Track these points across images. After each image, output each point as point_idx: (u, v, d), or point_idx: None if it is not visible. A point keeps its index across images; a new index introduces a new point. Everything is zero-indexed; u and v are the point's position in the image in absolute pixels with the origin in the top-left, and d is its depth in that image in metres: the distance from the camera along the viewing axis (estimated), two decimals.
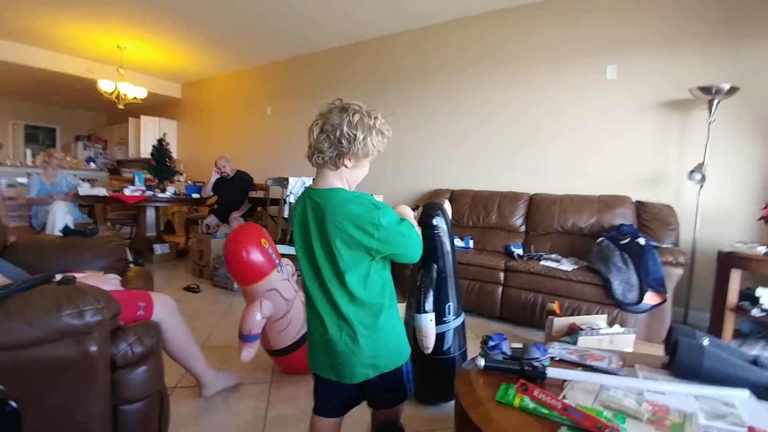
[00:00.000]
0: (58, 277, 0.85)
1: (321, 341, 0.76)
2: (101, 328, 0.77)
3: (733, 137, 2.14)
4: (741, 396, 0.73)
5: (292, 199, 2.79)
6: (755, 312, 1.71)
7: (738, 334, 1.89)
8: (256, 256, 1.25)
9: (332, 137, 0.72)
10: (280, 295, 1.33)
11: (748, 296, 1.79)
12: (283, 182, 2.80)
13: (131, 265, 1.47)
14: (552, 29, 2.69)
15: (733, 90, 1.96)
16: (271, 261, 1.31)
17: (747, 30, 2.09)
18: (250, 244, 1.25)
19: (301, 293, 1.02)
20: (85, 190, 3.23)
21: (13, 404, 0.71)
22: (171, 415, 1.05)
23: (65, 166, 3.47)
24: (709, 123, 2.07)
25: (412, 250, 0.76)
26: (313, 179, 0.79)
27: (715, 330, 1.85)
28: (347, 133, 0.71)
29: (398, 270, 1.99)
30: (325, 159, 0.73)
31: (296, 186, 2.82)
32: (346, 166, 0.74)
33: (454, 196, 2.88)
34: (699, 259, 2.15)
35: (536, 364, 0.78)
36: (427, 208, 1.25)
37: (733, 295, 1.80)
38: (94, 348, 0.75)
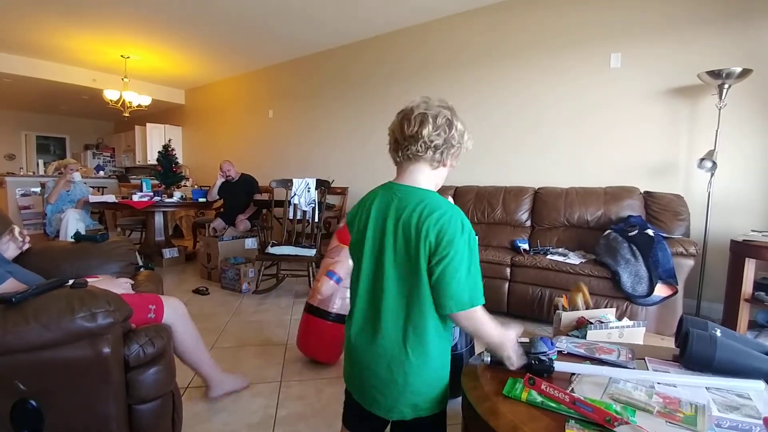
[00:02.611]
0: (71, 281, 0.87)
1: (361, 360, 0.68)
2: (113, 330, 0.79)
3: (746, 122, 2.09)
4: (756, 387, 0.71)
5: (296, 200, 2.81)
6: None
7: (753, 325, 1.85)
8: None
9: (448, 131, 0.65)
10: None
11: (764, 286, 1.74)
12: (287, 184, 2.82)
13: (141, 269, 1.50)
14: (552, 19, 2.65)
15: (745, 72, 1.90)
16: None
17: (758, 5, 2.02)
18: None
19: None
20: (92, 198, 3.32)
21: (33, 403, 0.73)
22: (183, 415, 1.08)
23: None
24: (720, 108, 2.01)
25: (448, 300, 0.63)
26: (397, 174, 0.70)
27: (730, 321, 1.82)
28: (460, 129, 0.67)
29: None
30: (435, 155, 0.65)
31: (300, 187, 2.84)
32: (444, 165, 0.68)
33: (459, 192, 2.86)
34: (711, 249, 2.11)
35: (543, 357, 0.77)
36: None
37: (747, 286, 1.76)
38: (107, 349, 0.77)
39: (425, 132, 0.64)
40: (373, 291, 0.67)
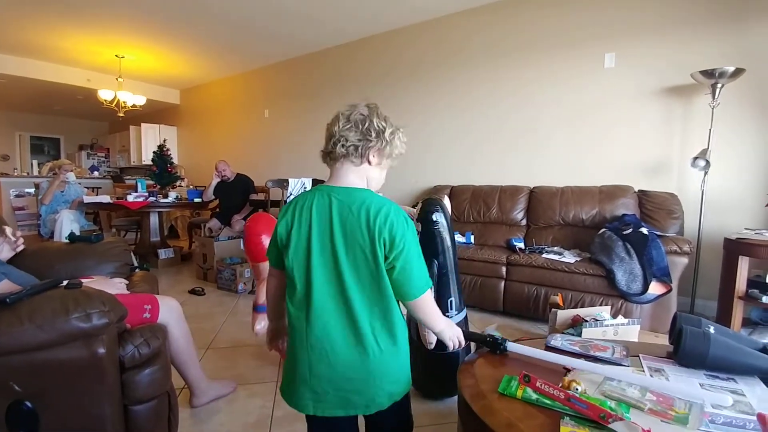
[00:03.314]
0: (65, 282, 0.87)
1: (329, 370, 0.65)
2: (108, 331, 0.79)
3: (739, 121, 2.11)
4: (750, 383, 0.72)
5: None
6: (766, 299, 1.69)
7: (747, 323, 1.87)
8: (267, 238, 1.44)
9: (361, 126, 0.66)
10: None
11: (758, 284, 1.76)
12: (282, 184, 2.82)
13: (137, 270, 1.49)
14: (548, 20, 2.67)
15: (738, 72, 1.92)
16: None
17: (751, 6, 2.04)
18: (265, 226, 1.45)
19: None
20: (87, 198, 3.30)
21: (29, 404, 0.73)
22: (179, 415, 1.07)
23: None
24: (713, 108, 2.03)
25: (413, 288, 0.67)
26: (328, 177, 0.71)
27: (724, 319, 1.83)
28: (377, 125, 0.67)
29: None
30: (350, 149, 0.66)
31: (296, 187, 2.83)
32: (369, 162, 0.68)
33: (454, 192, 2.87)
34: (705, 247, 2.13)
35: (497, 337, 0.87)
36: (427, 204, 1.25)
37: (741, 283, 1.77)
38: (102, 350, 0.77)
39: (336, 129, 0.68)
40: (343, 302, 0.66)
